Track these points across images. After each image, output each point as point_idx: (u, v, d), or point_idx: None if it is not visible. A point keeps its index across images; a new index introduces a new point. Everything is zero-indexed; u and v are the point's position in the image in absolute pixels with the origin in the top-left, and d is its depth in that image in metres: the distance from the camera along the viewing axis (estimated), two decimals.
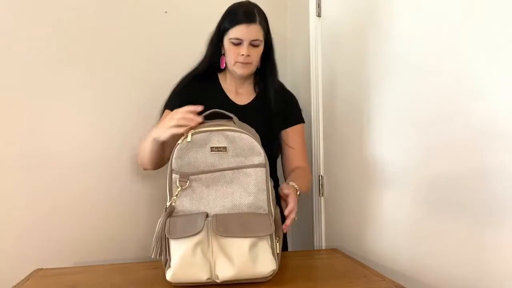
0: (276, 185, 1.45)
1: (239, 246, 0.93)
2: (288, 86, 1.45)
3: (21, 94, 1.40)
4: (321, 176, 1.47)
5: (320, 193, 1.47)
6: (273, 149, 1.30)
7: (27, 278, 1.06)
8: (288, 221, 1.06)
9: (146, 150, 1.18)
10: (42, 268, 1.15)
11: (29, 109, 1.41)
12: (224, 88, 1.36)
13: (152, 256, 0.94)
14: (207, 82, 1.36)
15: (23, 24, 1.40)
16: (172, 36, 1.57)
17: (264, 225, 0.94)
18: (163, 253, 0.96)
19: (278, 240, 1.00)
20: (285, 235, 1.44)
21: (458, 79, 0.86)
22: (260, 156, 0.98)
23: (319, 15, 1.48)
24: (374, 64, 1.16)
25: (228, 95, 1.35)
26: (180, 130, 1.01)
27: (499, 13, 0.76)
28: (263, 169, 0.98)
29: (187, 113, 1.02)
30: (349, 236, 1.31)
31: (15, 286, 1.00)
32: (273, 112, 1.34)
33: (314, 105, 1.49)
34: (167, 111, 1.32)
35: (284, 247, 1.41)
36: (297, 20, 1.64)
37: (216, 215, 0.95)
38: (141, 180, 1.53)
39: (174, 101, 1.32)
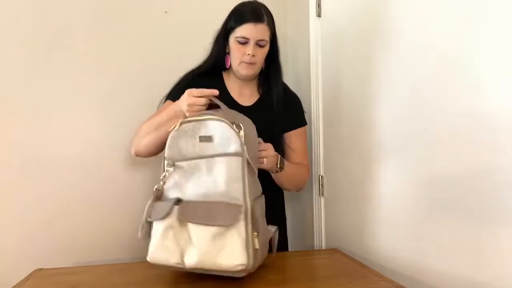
0: (277, 186, 1.44)
1: (202, 233, 0.93)
2: (289, 86, 1.45)
3: (21, 95, 1.40)
4: (321, 176, 1.47)
5: (320, 193, 1.47)
6: (277, 150, 1.28)
7: (27, 278, 1.06)
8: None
9: (152, 130, 1.19)
10: (42, 268, 1.15)
11: (29, 110, 1.41)
12: (228, 88, 1.36)
13: (139, 236, 0.99)
14: (211, 80, 1.33)
15: (23, 26, 1.40)
16: (172, 36, 1.57)
17: (229, 215, 0.91)
18: (148, 235, 1.00)
19: (257, 235, 0.95)
20: (285, 235, 1.44)
21: (459, 78, 0.86)
22: (235, 144, 0.95)
23: (319, 15, 1.47)
24: (374, 63, 1.16)
25: (232, 95, 1.35)
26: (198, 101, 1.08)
27: (499, 12, 0.76)
28: (239, 158, 0.95)
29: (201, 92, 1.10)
30: (349, 236, 1.31)
31: (15, 286, 1.00)
32: (276, 114, 1.33)
33: (315, 105, 1.49)
34: (169, 101, 1.30)
35: (285, 247, 1.41)
36: (297, 20, 1.64)
37: (185, 202, 0.96)
38: (141, 180, 1.53)
39: (179, 94, 1.26)
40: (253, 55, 1.24)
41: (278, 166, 1.23)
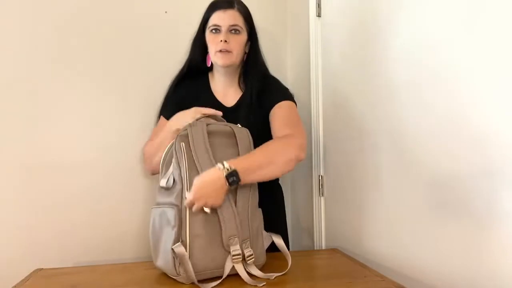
0: (276, 185, 1.43)
1: None
2: (288, 86, 1.44)
3: (20, 97, 1.40)
4: (321, 176, 1.47)
5: (320, 193, 1.47)
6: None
7: (27, 278, 1.06)
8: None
9: (157, 150, 1.20)
10: (42, 268, 1.15)
11: (29, 109, 1.41)
12: (212, 89, 1.35)
13: None
14: (197, 83, 1.35)
15: (22, 26, 1.40)
16: (172, 36, 1.57)
17: None
18: None
19: None
20: (286, 234, 1.44)
21: (458, 80, 0.86)
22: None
23: (319, 15, 1.47)
24: (374, 63, 1.16)
25: (216, 97, 1.34)
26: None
27: (499, 14, 0.76)
28: None
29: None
30: (349, 236, 1.31)
31: (15, 286, 1.00)
32: (255, 107, 1.28)
33: (314, 105, 1.49)
34: (162, 118, 1.33)
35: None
36: (297, 20, 1.64)
37: None
38: (141, 180, 1.53)
39: (169, 105, 1.34)
40: (226, 41, 1.22)
41: (228, 182, 0.97)
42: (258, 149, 1.09)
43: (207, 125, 1.06)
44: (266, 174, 1.07)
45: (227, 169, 0.98)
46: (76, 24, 1.46)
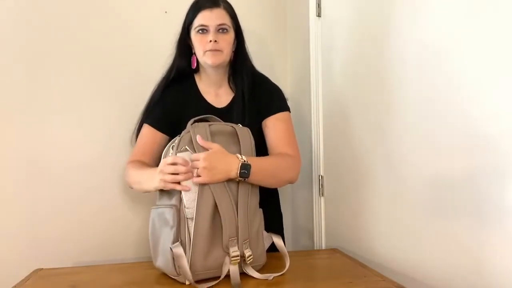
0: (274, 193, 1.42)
1: None
2: (288, 86, 1.45)
3: (19, 95, 1.40)
4: (321, 176, 1.47)
5: (320, 193, 1.47)
6: (261, 146, 1.22)
7: (27, 278, 1.06)
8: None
9: (137, 184, 1.17)
10: (42, 268, 1.15)
11: (28, 110, 1.41)
12: (201, 91, 1.31)
13: None
14: (183, 87, 1.30)
15: (20, 25, 1.40)
16: (172, 36, 1.57)
17: None
18: None
19: None
20: (282, 234, 1.43)
21: (458, 80, 0.86)
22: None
23: (319, 15, 1.47)
24: (373, 64, 1.16)
25: (206, 98, 1.30)
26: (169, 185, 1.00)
27: (498, 13, 0.76)
28: None
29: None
30: (349, 236, 1.31)
31: (15, 286, 1.00)
32: (250, 108, 1.25)
33: (314, 105, 1.49)
34: (146, 126, 1.28)
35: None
36: (297, 20, 1.64)
37: None
38: None
39: (155, 113, 1.29)
40: (215, 41, 1.19)
41: (239, 172, 1.00)
42: (270, 158, 1.18)
43: (209, 125, 1.06)
44: (266, 183, 1.12)
45: (244, 161, 1.02)
46: (75, 25, 1.46)
